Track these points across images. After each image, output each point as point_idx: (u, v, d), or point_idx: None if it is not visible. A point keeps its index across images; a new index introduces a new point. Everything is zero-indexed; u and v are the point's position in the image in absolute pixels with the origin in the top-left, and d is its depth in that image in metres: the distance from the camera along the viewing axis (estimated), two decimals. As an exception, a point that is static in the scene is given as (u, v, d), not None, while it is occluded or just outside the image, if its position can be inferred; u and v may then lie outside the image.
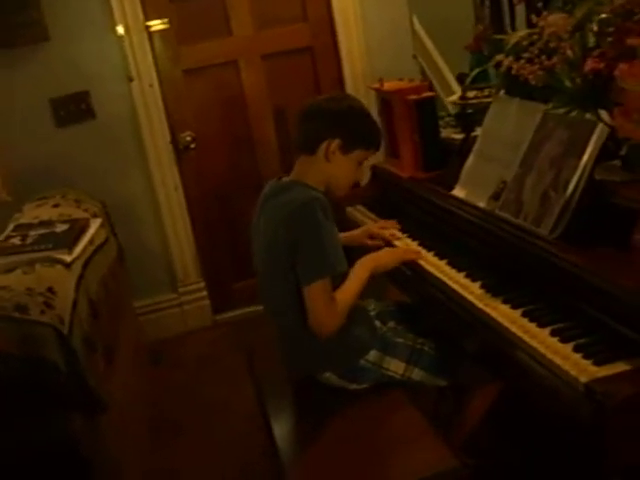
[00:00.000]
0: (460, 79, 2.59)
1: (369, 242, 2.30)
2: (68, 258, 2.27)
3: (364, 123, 2.00)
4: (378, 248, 2.21)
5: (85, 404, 1.92)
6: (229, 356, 3.32)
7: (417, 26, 3.79)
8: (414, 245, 2.22)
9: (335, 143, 1.93)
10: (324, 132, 1.94)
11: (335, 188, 2.02)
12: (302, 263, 1.84)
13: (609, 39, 1.45)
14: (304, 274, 1.83)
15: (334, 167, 1.96)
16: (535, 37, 1.72)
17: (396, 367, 1.99)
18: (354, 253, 2.13)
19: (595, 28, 1.52)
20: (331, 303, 1.85)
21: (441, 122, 2.58)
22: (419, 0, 3.65)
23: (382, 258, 2.09)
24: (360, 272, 1.97)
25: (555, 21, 1.64)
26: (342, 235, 2.22)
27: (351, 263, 1.97)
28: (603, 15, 1.48)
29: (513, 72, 1.78)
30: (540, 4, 1.85)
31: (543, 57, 1.67)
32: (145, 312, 3.58)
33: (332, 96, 2.09)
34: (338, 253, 1.87)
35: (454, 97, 2.59)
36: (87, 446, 1.90)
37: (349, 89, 3.62)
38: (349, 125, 1.95)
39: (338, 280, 1.89)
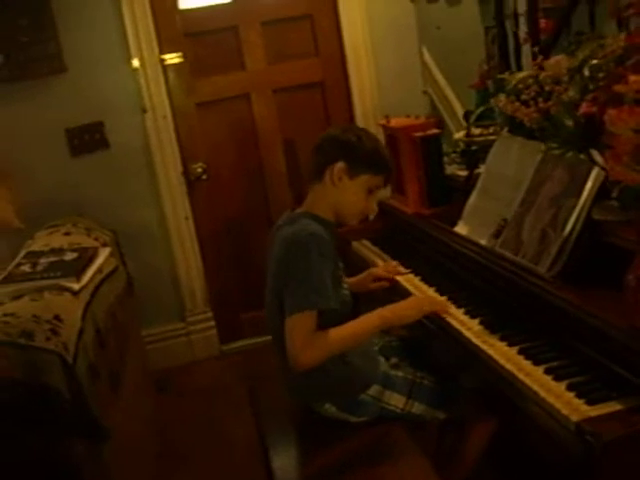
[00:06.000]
0: (467, 116, 2.63)
1: (372, 285, 2.28)
2: (76, 286, 2.30)
3: (370, 148, 1.97)
4: (383, 289, 2.22)
5: (87, 432, 1.94)
6: (235, 386, 3.31)
7: (427, 57, 3.83)
8: (431, 292, 2.15)
9: (339, 166, 1.92)
10: (329, 156, 1.94)
11: (344, 216, 2.01)
12: (287, 295, 1.83)
13: (600, 84, 1.48)
14: (287, 305, 1.82)
15: (341, 192, 1.95)
16: (530, 81, 1.76)
17: (397, 401, 1.99)
18: (362, 305, 2.12)
19: (587, 73, 1.56)
20: (310, 339, 1.79)
21: (446, 158, 2.61)
22: (432, 37, 3.70)
23: (402, 309, 1.98)
24: (369, 318, 1.91)
25: (553, 64, 1.67)
26: (350, 280, 2.22)
27: (357, 310, 1.96)
28: (594, 61, 1.51)
29: (508, 114, 1.81)
30: (536, 48, 1.88)
31: (540, 99, 1.71)
32: (153, 340, 3.59)
33: (344, 126, 2.08)
34: (324, 289, 1.81)
35: (460, 134, 2.63)
36: (89, 473, 1.91)
37: (359, 124, 3.66)
38: (353, 148, 1.94)
39: (331, 320, 1.85)
